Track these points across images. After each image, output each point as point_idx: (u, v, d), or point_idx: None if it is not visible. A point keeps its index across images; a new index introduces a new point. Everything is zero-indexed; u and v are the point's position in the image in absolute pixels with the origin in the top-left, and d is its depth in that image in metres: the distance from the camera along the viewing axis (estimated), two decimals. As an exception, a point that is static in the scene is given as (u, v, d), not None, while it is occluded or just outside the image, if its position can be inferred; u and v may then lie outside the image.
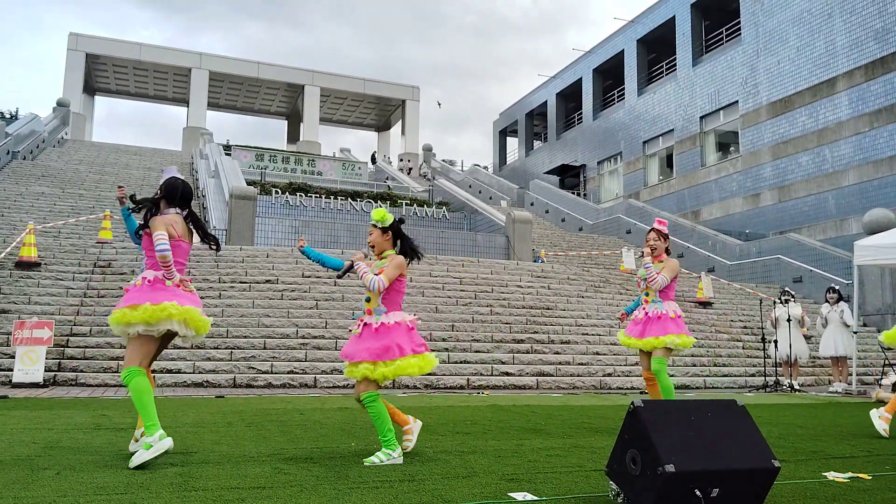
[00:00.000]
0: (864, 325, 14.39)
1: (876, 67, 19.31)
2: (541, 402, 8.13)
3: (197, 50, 44.85)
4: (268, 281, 12.13)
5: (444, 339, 11.06)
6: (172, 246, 4.05)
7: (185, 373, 9.01)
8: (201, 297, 11.26)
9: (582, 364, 11.00)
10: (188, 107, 44.41)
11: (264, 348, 9.90)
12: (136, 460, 3.70)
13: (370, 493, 3.33)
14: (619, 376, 10.89)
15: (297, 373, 9.40)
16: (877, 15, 19.38)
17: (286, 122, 54.44)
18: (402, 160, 45.67)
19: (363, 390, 4.10)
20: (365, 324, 4.23)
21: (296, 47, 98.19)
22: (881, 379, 11.35)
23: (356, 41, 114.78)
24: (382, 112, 52.54)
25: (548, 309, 12.79)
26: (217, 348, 9.66)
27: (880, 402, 9.23)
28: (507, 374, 10.37)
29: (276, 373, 9.34)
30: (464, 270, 14.38)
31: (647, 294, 5.89)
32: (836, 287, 11.60)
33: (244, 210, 16.40)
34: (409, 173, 39.39)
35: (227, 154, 27.86)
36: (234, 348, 9.75)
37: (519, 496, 3.36)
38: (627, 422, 3.33)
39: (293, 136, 52.41)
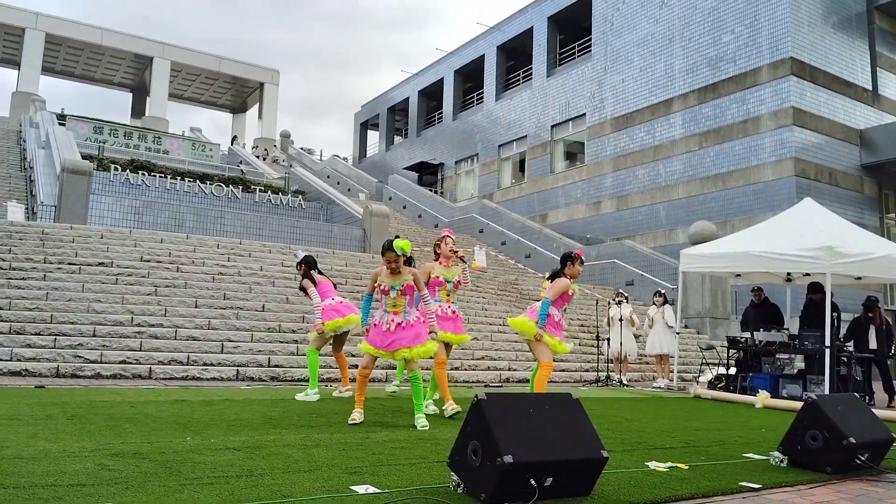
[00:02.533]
0: (686, 326, 15.75)
1: (707, 92, 21.19)
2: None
3: (33, 9, 40.76)
4: (101, 263, 11.25)
5: (293, 331, 10.81)
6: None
7: (0, 360, 8.14)
8: (22, 280, 10.24)
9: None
10: (19, 70, 40.38)
11: (94, 335, 9.16)
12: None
13: (203, 489, 3.18)
14: (465, 370, 11.17)
15: (131, 363, 8.79)
16: (711, 44, 21.26)
17: (131, 95, 50.87)
18: (257, 146, 44.11)
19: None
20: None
21: (146, 18, 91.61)
22: (699, 376, 12.49)
23: (213, 19, 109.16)
24: (239, 93, 50.47)
25: (399, 303, 12.87)
26: (39, 334, 8.82)
27: (697, 398, 10.15)
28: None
29: (106, 362, 8.67)
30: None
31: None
32: (663, 291, 12.58)
33: (77, 185, 15.15)
34: (265, 159, 38.14)
35: (61, 124, 25.62)
36: (58, 335, 8.94)
37: (361, 489, 3.34)
38: (471, 414, 3.42)
39: (138, 110, 49.06)
